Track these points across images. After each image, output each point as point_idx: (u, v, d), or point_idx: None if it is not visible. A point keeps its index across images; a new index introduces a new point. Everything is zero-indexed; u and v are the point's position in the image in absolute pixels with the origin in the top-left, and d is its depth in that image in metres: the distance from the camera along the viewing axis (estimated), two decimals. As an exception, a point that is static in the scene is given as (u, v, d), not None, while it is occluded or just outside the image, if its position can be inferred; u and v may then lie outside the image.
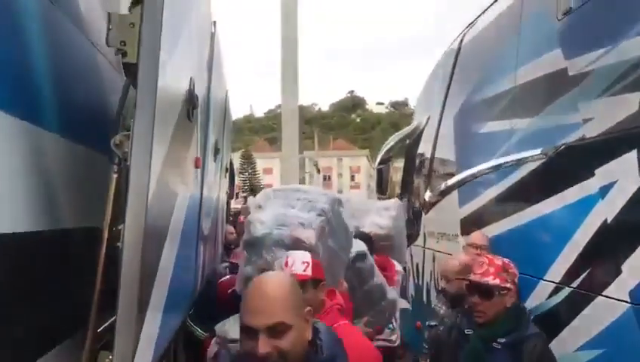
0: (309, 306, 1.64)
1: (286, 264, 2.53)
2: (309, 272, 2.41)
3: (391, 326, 4.76)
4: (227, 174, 5.76)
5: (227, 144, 5.42)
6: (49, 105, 1.33)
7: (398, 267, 4.91)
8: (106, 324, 1.44)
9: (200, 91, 2.25)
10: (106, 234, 1.34)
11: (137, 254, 1.25)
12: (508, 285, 2.67)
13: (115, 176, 1.36)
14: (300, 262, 2.52)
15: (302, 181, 54.74)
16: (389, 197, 9.47)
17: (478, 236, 4.73)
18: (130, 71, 1.35)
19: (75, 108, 1.48)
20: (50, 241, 1.30)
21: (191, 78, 1.92)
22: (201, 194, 2.68)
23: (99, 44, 1.46)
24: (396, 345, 4.88)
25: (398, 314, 4.82)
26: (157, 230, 1.45)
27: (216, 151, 3.56)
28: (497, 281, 2.66)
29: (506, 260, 2.81)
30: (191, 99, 1.91)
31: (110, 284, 1.32)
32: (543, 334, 2.60)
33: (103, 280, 1.36)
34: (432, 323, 4.66)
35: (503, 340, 2.58)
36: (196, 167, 2.34)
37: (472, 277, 2.75)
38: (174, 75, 1.59)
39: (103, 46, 1.43)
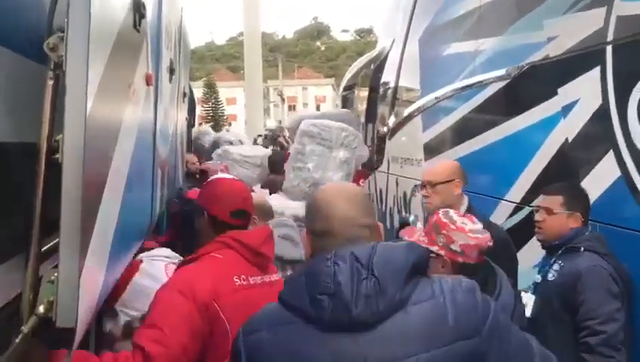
0: None
1: None
2: None
3: None
4: (186, 99, 5.59)
5: (184, 66, 5.23)
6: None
7: None
8: (51, 244, 1.37)
9: (149, 1, 2.09)
10: (44, 146, 1.24)
11: (79, 165, 1.16)
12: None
13: (50, 82, 1.25)
14: None
15: (266, 111, 54.16)
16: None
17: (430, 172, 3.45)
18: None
19: (8, 10, 1.33)
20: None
21: (136, -17, 1.77)
22: (156, 113, 2.56)
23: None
24: None
25: None
26: (101, 141, 1.36)
27: (172, 72, 3.40)
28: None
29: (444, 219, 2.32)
30: (137, 6, 1.77)
31: (54, 202, 1.23)
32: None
33: (44, 196, 1.28)
34: None
35: None
36: (148, 84, 2.21)
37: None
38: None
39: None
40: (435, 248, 2.23)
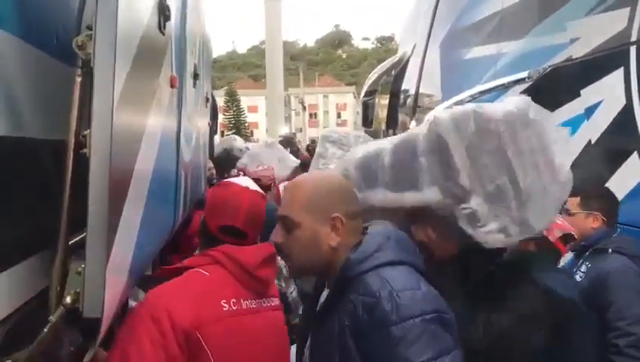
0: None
1: None
2: None
3: None
4: (208, 104, 5.65)
5: (207, 73, 5.30)
6: (11, 5, 1.24)
7: None
8: (78, 238, 1.40)
9: (173, 3, 2.14)
10: (72, 141, 1.27)
11: (106, 159, 1.19)
12: None
13: (78, 80, 1.28)
14: None
15: (287, 119, 54.56)
16: (375, 131, 9.45)
17: None
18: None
19: (38, 10, 1.38)
20: (14, 148, 1.23)
21: (161, -13, 1.81)
22: (180, 116, 2.61)
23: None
24: None
25: None
26: (128, 136, 1.39)
27: (196, 77, 3.45)
28: None
29: None
30: (162, 8, 1.81)
31: (81, 198, 1.26)
32: None
33: (71, 190, 1.31)
34: None
35: None
36: (172, 86, 2.25)
37: None
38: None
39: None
40: None
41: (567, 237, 2.59)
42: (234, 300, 1.77)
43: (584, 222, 2.76)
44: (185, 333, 1.62)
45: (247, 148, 8.92)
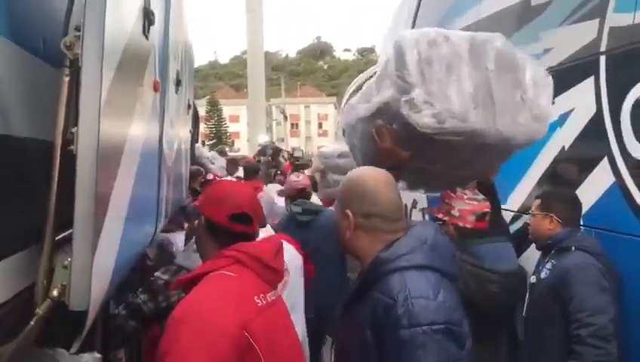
0: None
1: None
2: None
3: None
4: (190, 112, 5.68)
5: (189, 81, 5.33)
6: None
7: None
8: (66, 234, 1.43)
9: (157, 9, 2.18)
10: (60, 138, 1.31)
11: (93, 155, 1.23)
12: None
13: (66, 79, 1.32)
14: None
15: (269, 128, 54.48)
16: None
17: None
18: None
19: (25, 12, 1.42)
20: (1, 146, 1.26)
21: (146, -8, 1.86)
22: (163, 121, 2.64)
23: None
24: None
25: None
26: (113, 134, 1.43)
27: (178, 83, 3.49)
28: None
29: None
30: (146, 13, 1.86)
31: (68, 194, 1.30)
32: None
33: (59, 186, 1.34)
34: None
35: None
36: (155, 90, 2.29)
37: None
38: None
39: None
40: (440, 215, 2.64)
41: (484, 215, 2.78)
42: (262, 295, 1.82)
43: (541, 223, 2.90)
44: (236, 338, 1.62)
45: (214, 157, 9.64)
